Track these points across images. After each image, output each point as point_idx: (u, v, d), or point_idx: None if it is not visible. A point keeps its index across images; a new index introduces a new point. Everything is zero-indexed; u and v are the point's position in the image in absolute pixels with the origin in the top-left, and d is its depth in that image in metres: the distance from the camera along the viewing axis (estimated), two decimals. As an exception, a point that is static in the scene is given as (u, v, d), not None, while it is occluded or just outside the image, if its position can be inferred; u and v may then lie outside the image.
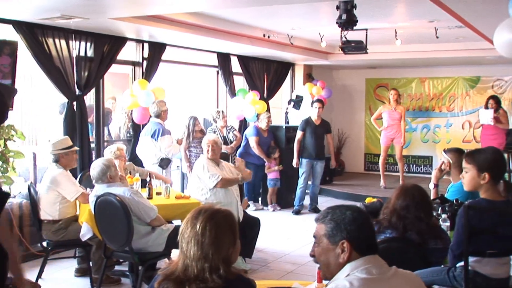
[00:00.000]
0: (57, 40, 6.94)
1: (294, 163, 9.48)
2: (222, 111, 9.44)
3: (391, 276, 2.20)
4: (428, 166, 13.21)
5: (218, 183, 6.25)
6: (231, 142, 9.20)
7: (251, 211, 9.48)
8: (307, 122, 9.55)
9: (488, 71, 12.49)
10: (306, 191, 9.85)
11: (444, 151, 5.07)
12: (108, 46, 7.62)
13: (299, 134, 9.48)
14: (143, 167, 7.59)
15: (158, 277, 2.36)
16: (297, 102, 11.52)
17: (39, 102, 8.52)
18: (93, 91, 7.80)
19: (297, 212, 9.66)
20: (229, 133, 9.33)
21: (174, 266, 2.35)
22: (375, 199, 5.02)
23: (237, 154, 9.69)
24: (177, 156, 8.44)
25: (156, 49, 8.51)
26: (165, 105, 7.76)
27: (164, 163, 7.67)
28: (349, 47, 8.07)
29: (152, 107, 7.73)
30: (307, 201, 9.98)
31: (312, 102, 9.78)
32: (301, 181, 9.62)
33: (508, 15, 3.79)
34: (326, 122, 9.81)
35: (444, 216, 4.37)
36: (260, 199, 10.32)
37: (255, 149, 9.64)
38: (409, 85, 13.40)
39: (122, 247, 5.23)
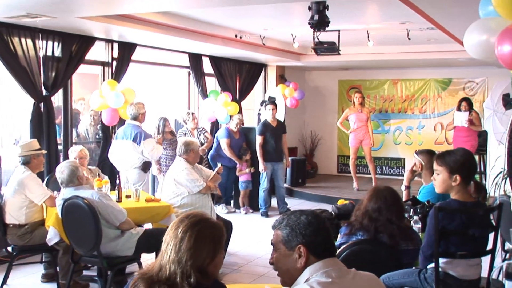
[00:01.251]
0: (23, 40, 6.83)
1: (261, 168, 9.54)
2: (193, 113, 9.44)
3: (351, 279, 2.21)
4: (400, 168, 13.36)
5: (203, 189, 6.32)
6: (202, 144, 9.18)
7: (223, 214, 9.46)
8: (265, 125, 9.62)
9: (460, 73, 12.68)
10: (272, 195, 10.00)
11: (416, 152, 5.12)
12: (76, 45, 7.53)
13: (259, 138, 9.53)
14: (118, 172, 7.51)
15: (135, 276, 2.36)
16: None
17: (4, 104, 8.37)
18: (60, 92, 7.69)
19: (266, 215, 9.71)
20: (200, 135, 9.32)
21: (151, 266, 2.34)
22: (347, 201, 5.06)
23: (208, 157, 9.69)
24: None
25: (126, 49, 8.44)
26: (144, 107, 7.66)
27: (147, 166, 7.62)
28: (321, 48, 8.12)
29: (130, 109, 7.59)
30: (274, 203, 10.05)
31: (265, 104, 9.83)
32: (264, 184, 9.70)
33: (478, 16, 3.85)
34: (282, 123, 9.95)
35: (415, 218, 4.42)
36: (232, 201, 10.31)
37: (226, 151, 9.64)
38: (382, 87, 13.54)
39: (90, 252, 5.17)
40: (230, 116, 9.92)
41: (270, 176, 9.73)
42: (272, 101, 10.19)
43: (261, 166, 9.53)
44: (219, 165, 7.83)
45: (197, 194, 6.34)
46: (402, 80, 13.34)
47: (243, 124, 10.39)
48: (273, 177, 9.81)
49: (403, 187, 5.13)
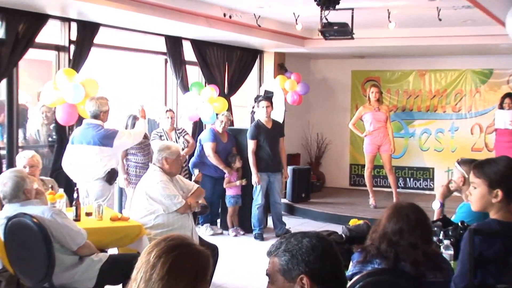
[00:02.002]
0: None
1: (254, 181, 9.59)
2: (171, 110, 9.46)
3: None
4: (428, 180, 13.41)
5: (181, 208, 6.33)
6: (182, 149, 9.16)
7: (208, 236, 9.46)
8: (258, 127, 9.68)
9: (503, 62, 12.72)
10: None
11: (458, 162, 5.09)
12: (24, 25, 7.52)
13: (251, 144, 9.60)
14: (75, 184, 7.49)
15: None
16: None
17: None
18: (4, 82, 7.69)
19: (261, 237, 9.73)
20: (179, 137, 9.34)
21: None
22: (361, 221, 5.06)
23: (189, 164, 9.69)
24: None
25: (87, 31, 8.45)
26: (107, 103, 7.64)
27: (112, 176, 7.62)
28: (330, 31, 8.14)
29: (90, 105, 7.54)
30: (270, 224, 10.09)
31: (259, 100, 9.87)
32: (258, 200, 9.75)
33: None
34: (278, 124, 10.06)
35: (446, 242, 4.42)
36: (218, 221, 10.33)
37: (211, 157, 9.67)
38: (405, 79, 13.59)
39: (40, 283, 5.16)
40: (217, 115, 9.94)
41: (266, 189, 9.77)
42: (267, 96, 10.21)
43: (254, 178, 9.56)
44: (196, 171, 7.82)
45: (174, 213, 6.35)
46: (431, 71, 13.40)
47: (232, 124, 10.40)
48: (269, 191, 9.86)
49: (435, 205, 5.13)
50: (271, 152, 9.63)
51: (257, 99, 10.40)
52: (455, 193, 5.15)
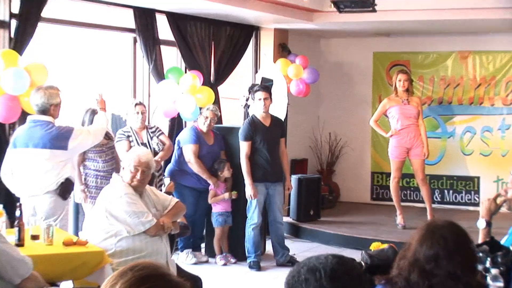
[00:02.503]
0: None
1: (248, 194, 9.57)
2: (141, 104, 9.45)
3: None
4: (472, 192, 13.43)
5: (151, 228, 6.32)
6: (156, 154, 9.19)
7: (189, 265, 9.46)
8: (253, 125, 9.67)
9: None
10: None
11: None
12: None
13: (244, 146, 9.61)
14: (18, 199, 7.46)
15: None
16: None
17: None
18: None
19: (257, 267, 9.73)
20: (151, 138, 9.34)
21: None
22: (385, 245, 5.05)
23: (165, 173, 9.72)
24: None
25: (33, 2, 8.45)
26: (59, 95, 7.60)
27: (66, 189, 7.61)
28: (346, 1, 8.15)
29: (37, 96, 7.49)
30: (269, 249, 10.12)
31: (254, 91, 9.83)
32: (253, 218, 9.72)
33: None
34: (279, 121, 10.07)
35: (494, 271, 4.41)
36: (203, 245, 10.35)
37: (192, 164, 9.65)
38: (442, 64, 13.61)
39: (-27, 326, 5.15)
40: (200, 109, 9.94)
41: (263, 205, 9.78)
42: (265, 86, 10.19)
43: (248, 190, 9.56)
44: (167, 181, 7.81)
45: (143, 235, 6.36)
46: (475, 53, 13.40)
47: (220, 121, 10.38)
48: (268, 207, 9.87)
49: (481, 224, 5.12)
50: (270, 157, 9.65)
51: (252, 89, 10.37)
52: (504, 209, 5.15)
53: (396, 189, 11.57)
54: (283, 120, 10.54)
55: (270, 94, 9.86)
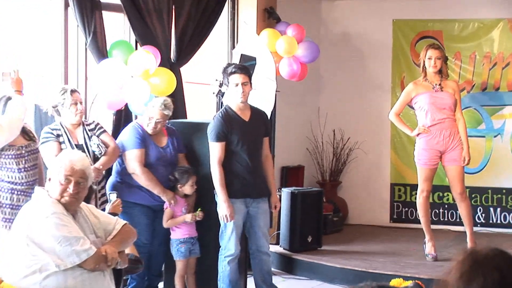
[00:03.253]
0: None
1: (222, 213, 9.51)
2: (76, 91, 9.45)
3: None
4: (529, 211, 13.54)
5: (89, 260, 6.29)
6: (96, 159, 9.26)
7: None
8: (228, 119, 9.60)
9: None
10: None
11: None
12: None
13: (217, 148, 9.52)
14: None
15: None
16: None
17: None
18: None
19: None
20: (90, 138, 9.37)
21: None
22: (410, 282, 5.11)
23: (107, 186, 9.76)
24: None
25: None
26: None
27: None
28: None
29: None
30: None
31: (229, 73, 9.65)
32: (229, 247, 9.65)
33: None
34: (260, 113, 10.04)
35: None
36: (160, 285, 10.38)
37: (139, 176, 9.63)
38: (486, 36, 13.69)
39: None
40: (156, 100, 9.92)
41: (242, 229, 9.82)
42: (242, 66, 10.17)
43: (222, 208, 9.51)
44: (113, 197, 7.83)
45: (78, 270, 6.36)
46: (532, 21, 13.51)
47: (183, 115, 10.40)
48: (249, 232, 9.88)
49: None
50: (251, 163, 9.64)
51: (226, 71, 10.36)
52: None
53: (425, 207, 11.49)
54: (269, 113, 10.54)
55: (250, 77, 9.79)
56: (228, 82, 9.68)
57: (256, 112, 9.90)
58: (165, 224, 9.80)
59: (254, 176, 9.72)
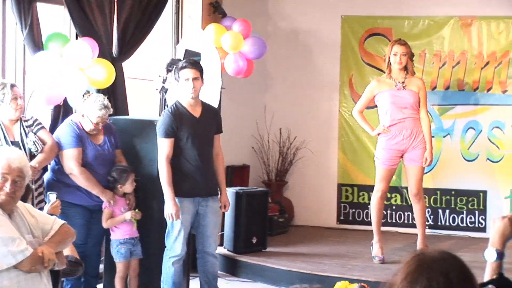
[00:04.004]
0: None
1: (168, 212, 9.46)
2: (15, 85, 9.39)
3: None
4: (477, 212, 13.54)
5: (25, 261, 6.19)
6: (33, 156, 9.15)
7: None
8: (177, 114, 9.61)
9: None
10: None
11: None
12: None
13: (165, 144, 9.51)
14: None
15: None
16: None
17: None
18: None
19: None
20: (27, 135, 9.27)
21: None
22: (355, 285, 5.03)
23: (44, 183, 9.64)
24: None
25: None
26: None
27: None
28: None
29: None
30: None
31: (180, 67, 9.68)
32: (174, 248, 9.64)
33: None
34: (212, 110, 10.10)
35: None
36: (100, 286, 10.30)
37: (76, 177, 9.57)
38: (437, 34, 13.74)
39: None
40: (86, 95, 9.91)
41: (189, 229, 9.72)
42: (194, 61, 10.11)
43: (168, 206, 9.46)
44: (52, 197, 7.66)
45: (14, 271, 6.23)
46: (482, 19, 13.53)
47: (125, 112, 10.27)
48: (196, 232, 9.84)
49: (488, 254, 5.08)
50: (200, 161, 9.62)
51: (173, 66, 10.28)
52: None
53: (378, 207, 11.51)
54: (217, 108, 10.46)
55: (201, 72, 9.76)
56: (179, 77, 9.67)
57: (207, 109, 9.92)
58: (105, 224, 9.76)
59: (204, 174, 9.72)
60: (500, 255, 5.00)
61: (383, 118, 11.30)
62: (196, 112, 9.70)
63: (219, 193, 9.95)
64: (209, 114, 9.89)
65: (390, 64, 11.24)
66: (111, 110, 9.84)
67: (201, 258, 9.89)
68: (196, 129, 9.65)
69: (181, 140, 9.57)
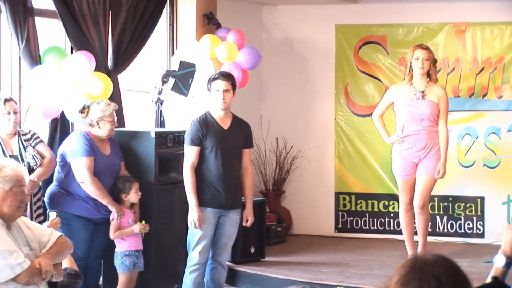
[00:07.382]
0: None
1: (192, 217, 9.47)
2: (11, 100, 9.40)
3: None
4: (474, 218, 13.54)
5: (23, 273, 6.18)
6: (32, 170, 9.13)
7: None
8: (205, 124, 9.63)
9: None
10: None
11: None
12: None
13: (192, 152, 9.53)
14: None
15: None
16: (181, 78, 11.52)
17: None
18: None
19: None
20: (25, 149, 9.28)
21: None
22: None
23: (46, 198, 9.63)
24: None
25: None
26: None
27: None
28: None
29: None
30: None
31: (212, 79, 9.76)
32: (192, 257, 9.63)
33: None
34: (242, 124, 10.04)
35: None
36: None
37: (88, 186, 9.55)
38: (431, 41, 13.63)
39: None
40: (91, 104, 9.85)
41: (210, 240, 9.71)
42: (226, 73, 10.08)
43: (192, 213, 9.47)
44: (52, 215, 7.70)
45: (11, 284, 6.24)
46: (476, 26, 13.54)
47: (121, 123, 10.31)
48: (216, 243, 9.82)
49: (498, 260, 5.11)
50: (223, 172, 9.61)
51: (168, 78, 10.36)
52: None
53: (406, 221, 11.34)
54: (248, 123, 10.37)
55: (234, 85, 9.80)
56: (211, 88, 9.72)
57: (238, 122, 9.95)
58: (113, 236, 9.72)
59: (226, 186, 9.69)
60: (508, 263, 5.08)
61: (398, 127, 11.17)
62: (225, 124, 9.72)
63: (242, 206, 9.98)
64: (239, 127, 9.89)
65: (411, 70, 10.96)
66: (116, 105, 9.96)
67: (210, 265, 9.89)
68: (222, 140, 9.64)
69: (205, 150, 9.59)
